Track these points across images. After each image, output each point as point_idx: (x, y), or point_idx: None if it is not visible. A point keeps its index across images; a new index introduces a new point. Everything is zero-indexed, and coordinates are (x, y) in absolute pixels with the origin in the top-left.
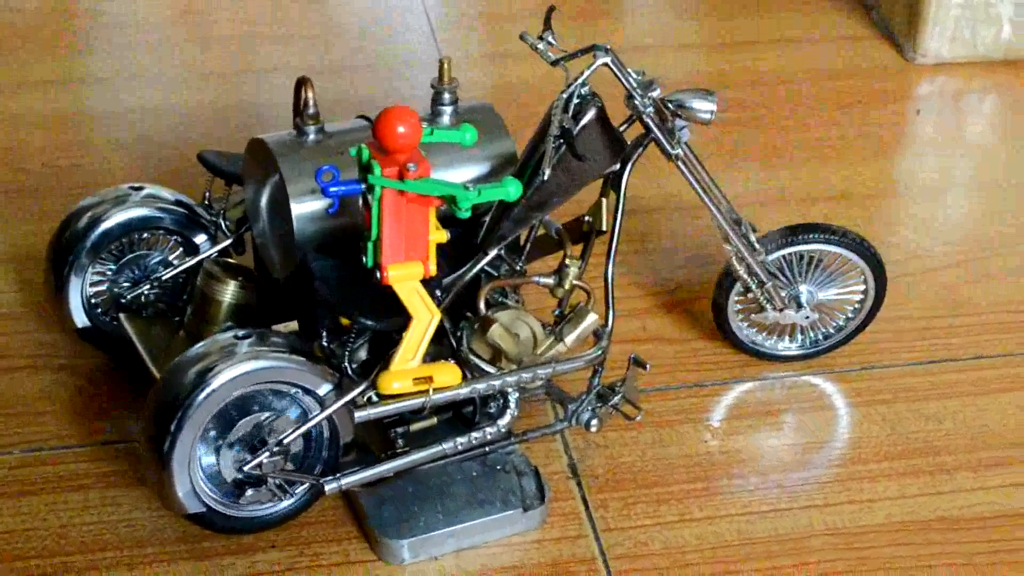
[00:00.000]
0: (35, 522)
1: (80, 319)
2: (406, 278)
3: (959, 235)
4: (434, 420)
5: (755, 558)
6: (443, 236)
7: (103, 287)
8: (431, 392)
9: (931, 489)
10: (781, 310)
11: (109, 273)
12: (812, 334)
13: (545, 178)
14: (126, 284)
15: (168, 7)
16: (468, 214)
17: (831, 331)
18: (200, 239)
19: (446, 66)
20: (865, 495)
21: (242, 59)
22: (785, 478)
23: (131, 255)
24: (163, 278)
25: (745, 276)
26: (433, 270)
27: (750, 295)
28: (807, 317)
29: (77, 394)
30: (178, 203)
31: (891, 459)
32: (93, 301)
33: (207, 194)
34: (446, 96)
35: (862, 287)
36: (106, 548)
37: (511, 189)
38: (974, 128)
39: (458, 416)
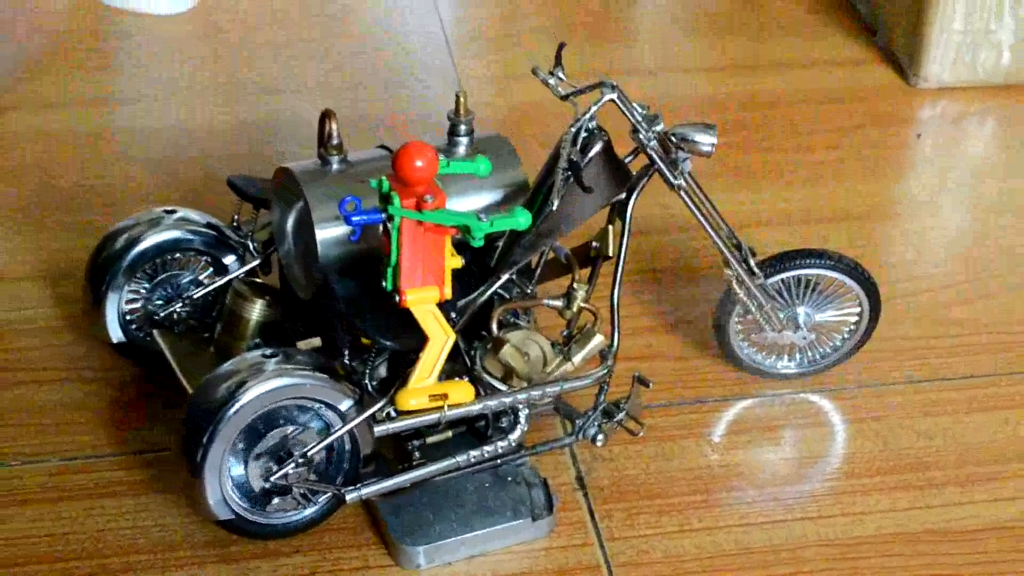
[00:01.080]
0: (74, 526)
1: (116, 334)
2: (423, 301)
3: (956, 256)
4: (449, 434)
5: (751, 567)
6: (458, 262)
7: (138, 304)
8: (446, 408)
9: (921, 503)
10: (780, 331)
11: (144, 291)
12: (810, 353)
13: (554, 208)
14: (159, 302)
15: (191, 23)
16: (481, 243)
17: (828, 351)
18: (229, 260)
19: (462, 99)
20: (857, 508)
21: (266, 76)
22: (781, 491)
23: (164, 274)
24: (194, 296)
25: (745, 299)
26: (448, 294)
27: (750, 316)
28: (804, 338)
29: (110, 405)
30: (209, 226)
31: (883, 474)
32: (128, 317)
33: (236, 217)
34: (462, 128)
35: (857, 309)
36: (140, 551)
37: (522, 219)
38: (974, 151)
39: (471, 430)
